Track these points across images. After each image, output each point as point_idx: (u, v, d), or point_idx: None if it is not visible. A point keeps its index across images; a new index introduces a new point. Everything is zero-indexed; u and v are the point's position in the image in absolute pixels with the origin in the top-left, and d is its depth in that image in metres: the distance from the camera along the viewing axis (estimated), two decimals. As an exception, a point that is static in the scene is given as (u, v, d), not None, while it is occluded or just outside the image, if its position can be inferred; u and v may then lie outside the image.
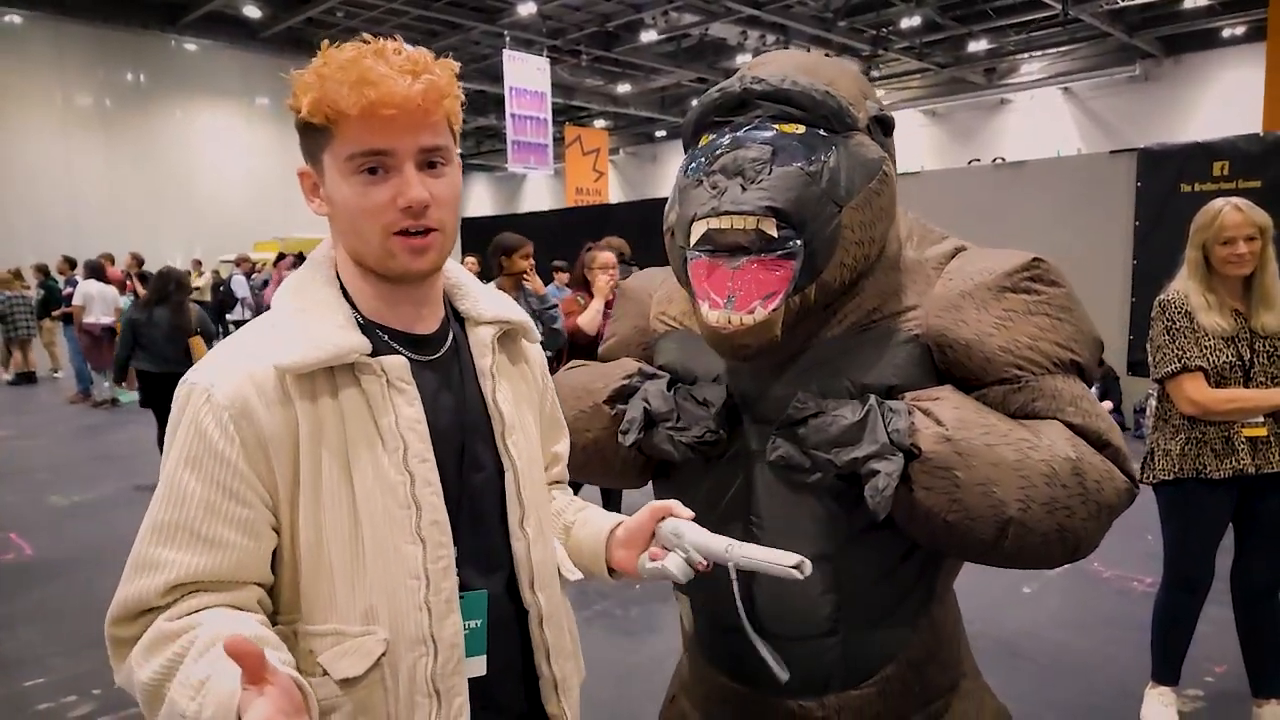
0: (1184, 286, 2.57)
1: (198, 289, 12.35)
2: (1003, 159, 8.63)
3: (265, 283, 10.75)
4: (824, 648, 1.45)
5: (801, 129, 1.39)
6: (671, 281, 1.70)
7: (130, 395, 10.58)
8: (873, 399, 1.35)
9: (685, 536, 1.14)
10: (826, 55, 1.56)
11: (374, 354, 1.02)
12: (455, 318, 1.17)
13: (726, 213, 1.32)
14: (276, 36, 18.47)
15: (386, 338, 1.06)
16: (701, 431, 1.46)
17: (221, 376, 0.97)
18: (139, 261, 12.19)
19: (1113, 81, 19.64)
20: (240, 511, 0.95)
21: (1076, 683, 3.16)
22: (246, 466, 0.95)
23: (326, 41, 1.01)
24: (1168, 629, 2.78)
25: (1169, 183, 6.48)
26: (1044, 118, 20.36)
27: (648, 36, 17.82)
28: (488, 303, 1.18)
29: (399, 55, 0.98)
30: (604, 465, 1.63)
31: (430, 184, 1.00)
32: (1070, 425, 1.34)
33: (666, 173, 27.90)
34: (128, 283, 11.52)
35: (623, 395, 1.58)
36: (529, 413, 1.21)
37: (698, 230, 1.36)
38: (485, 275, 3.66)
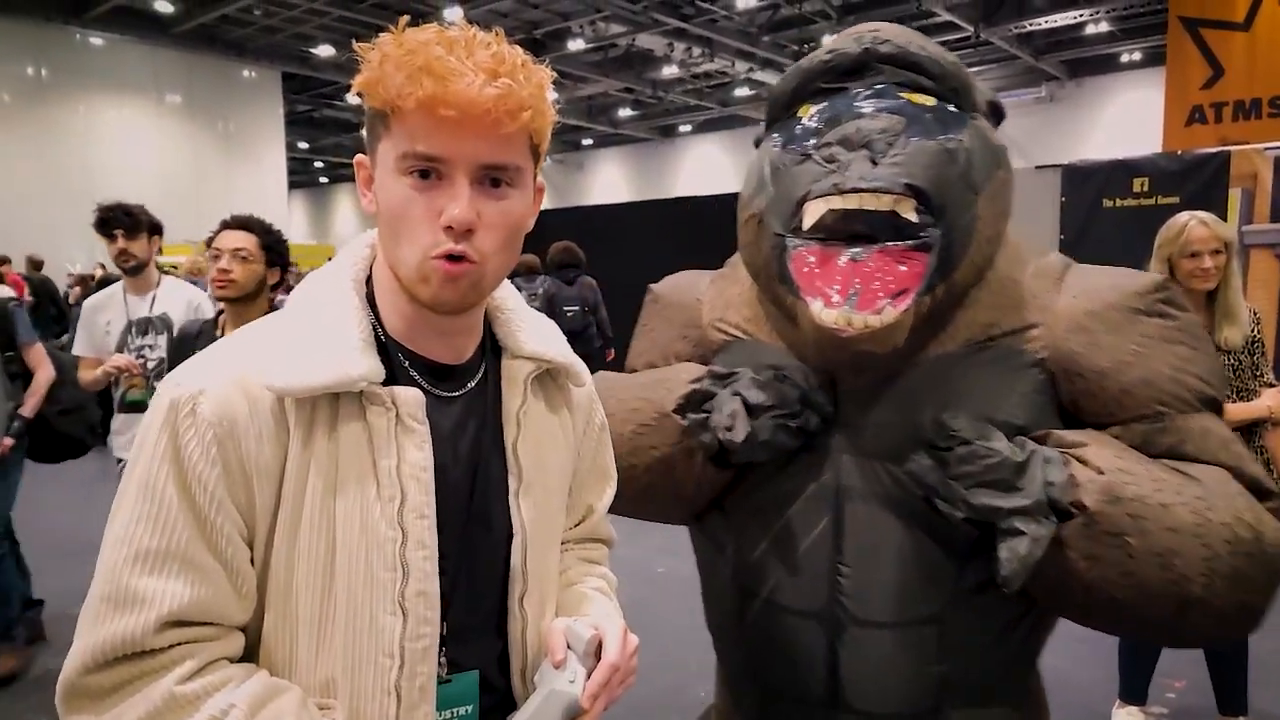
0: (1150, 297, 2.64)
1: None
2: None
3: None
4: None
5: (932, 101, 1.18)
6: (723, 284, 1.47)
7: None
8: (1029, 442, 1.12)
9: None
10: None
11: (389, 381, 0.88)
12: (494, 348, 1.01)
13: (854, 190, 1.09)
14: (189, 33, 17.70)
15: (407, 364, 0.91)
16: (814, 419, 1.22)
17: (212, 384, 0.83)
18: (36, 265, 11.50)
19: (1020, 101, 20.54)
20: (221, 543, 0.82)
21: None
22: (226, 495, 0.82)
23: (406, 18, 0.85)
24: (1137, 648, 2.84)
25: (1091, 198, 6.75)
26: (957, 135, 21.15)
27: (575, 45, 17.77)
28: (529, 334, 1.01)
29: (485, 50, 0.81)
30: (673, 489, 1.36)
31: (484, 206, 0.84)
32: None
33: (593, 181, 27.74)
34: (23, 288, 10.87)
35: (694, 403, 1.30)
36: (556, 468, 1.04)
37: (814, 211, 1.13)
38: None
